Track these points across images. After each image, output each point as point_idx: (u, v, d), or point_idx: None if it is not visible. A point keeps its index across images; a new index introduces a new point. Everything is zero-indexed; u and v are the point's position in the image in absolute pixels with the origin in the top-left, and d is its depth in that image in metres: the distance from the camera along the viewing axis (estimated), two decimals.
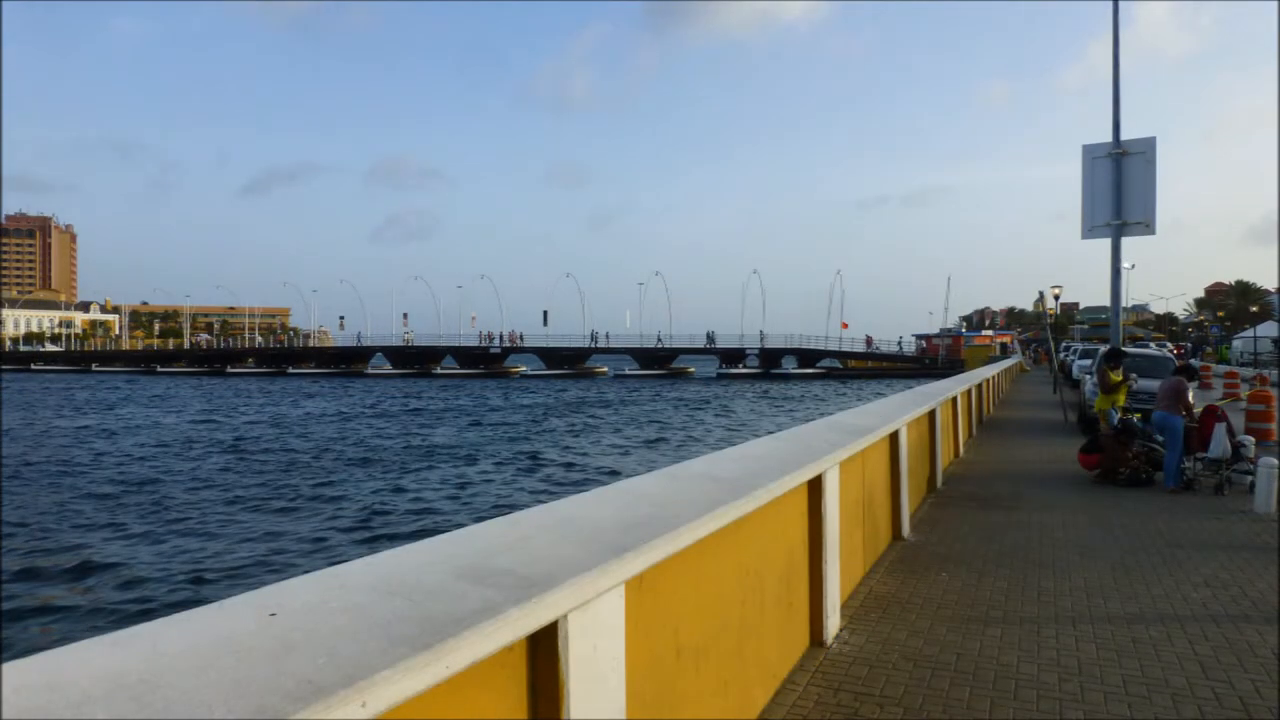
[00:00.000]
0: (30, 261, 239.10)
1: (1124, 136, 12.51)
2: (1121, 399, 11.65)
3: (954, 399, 12.93)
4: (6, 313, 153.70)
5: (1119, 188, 12.37)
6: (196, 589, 11.00)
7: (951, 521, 8.38)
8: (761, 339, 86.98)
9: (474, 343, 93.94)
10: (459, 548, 2.30)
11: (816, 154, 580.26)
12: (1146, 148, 12.23)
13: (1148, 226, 12.21)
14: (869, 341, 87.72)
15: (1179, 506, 9.15)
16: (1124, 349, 13.58)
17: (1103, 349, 20.95)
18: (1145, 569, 6.55)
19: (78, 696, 1.28)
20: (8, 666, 1.34)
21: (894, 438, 7.42)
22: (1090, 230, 12.69)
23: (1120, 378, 11.78)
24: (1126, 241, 12.70)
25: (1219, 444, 9.90)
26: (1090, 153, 12.60)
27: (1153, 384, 15.56)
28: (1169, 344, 62.15)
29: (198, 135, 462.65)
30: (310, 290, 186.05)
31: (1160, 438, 10.64)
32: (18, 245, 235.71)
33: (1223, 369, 43.64)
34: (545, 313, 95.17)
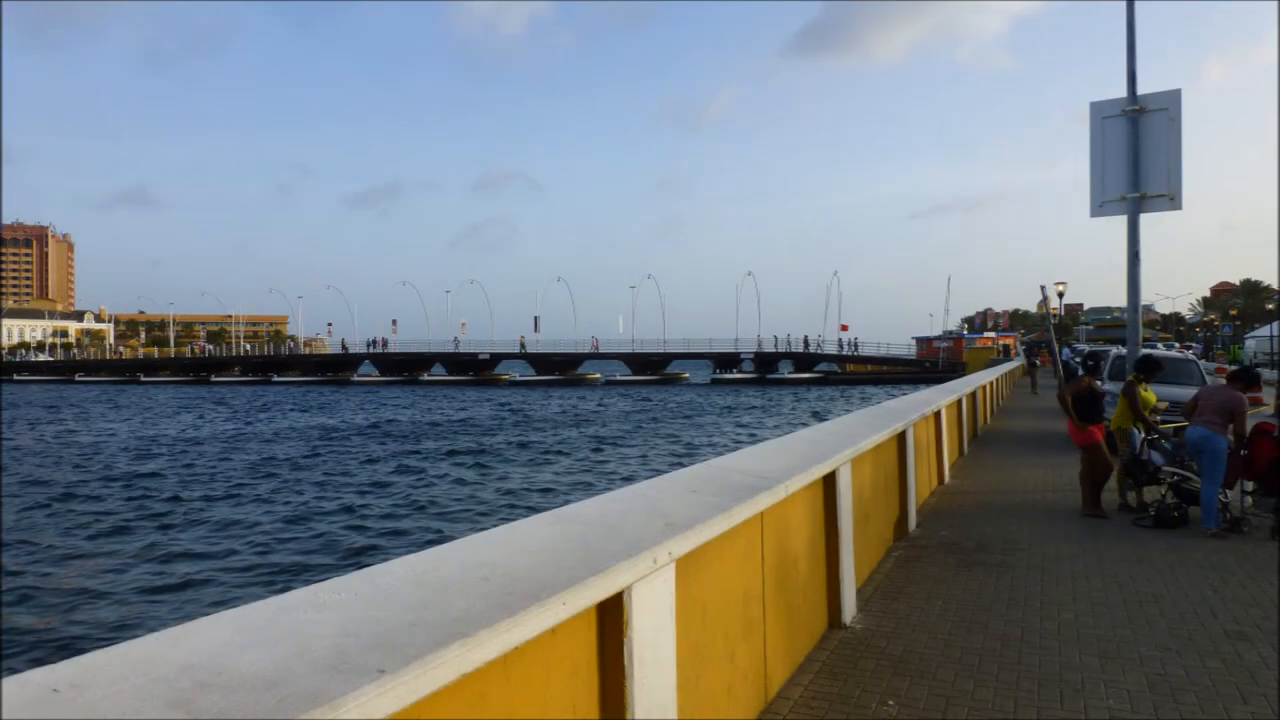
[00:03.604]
0: (27, 271, 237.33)
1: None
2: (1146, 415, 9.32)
3: (938, 413, 10.68)
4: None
5: (1136, 153, 10.07)
6: None
7: (919, 592, 6.11)
8: (848, 342, 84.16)
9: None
10: None
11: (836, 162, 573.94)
12: (1169, 103, 9.88)
13: (1172, 200, 9.88)
14: (807, 342, 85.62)
15: (1229, 561, 6.86)
16: (1152, 354, 11.22)
17: (1114, 351, 18.49)
18: (1202, 685, 4.29)
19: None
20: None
21: (829, 482, 5.17)
22: (1101, 206, 10.35)
23: (1155, 397, 9.33)
24: (1145, 223, 10.45)
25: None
26: (1100, 111, 10.24)
27: (1176, 392, 13.18)
28: (1176, 344, 59.70)
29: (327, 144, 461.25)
30: (297, 296, 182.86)
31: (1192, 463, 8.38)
32: (14, 255, 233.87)
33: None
34: (536, 318, 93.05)
